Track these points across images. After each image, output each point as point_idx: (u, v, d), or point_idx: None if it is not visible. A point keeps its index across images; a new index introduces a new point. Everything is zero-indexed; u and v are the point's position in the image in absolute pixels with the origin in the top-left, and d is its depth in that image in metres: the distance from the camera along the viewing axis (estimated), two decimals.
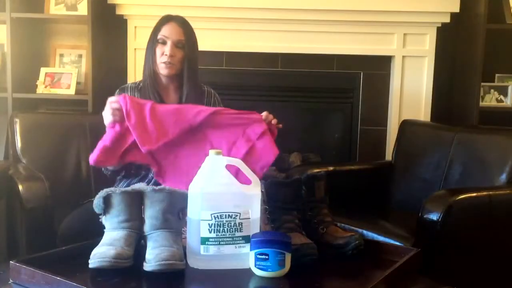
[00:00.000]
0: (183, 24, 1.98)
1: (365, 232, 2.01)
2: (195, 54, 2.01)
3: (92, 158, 1.68)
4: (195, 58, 2.00)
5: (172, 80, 2.00)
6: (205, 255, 1.34)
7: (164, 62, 1.93)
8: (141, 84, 2.03)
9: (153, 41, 1.96)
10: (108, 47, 2.89)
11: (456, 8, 2.75)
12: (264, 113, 1.78)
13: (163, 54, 1.94)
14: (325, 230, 1.53)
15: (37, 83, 2.80)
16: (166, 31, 1.95)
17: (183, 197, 1.38)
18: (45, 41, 2.98)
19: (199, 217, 1.34)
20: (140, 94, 1.99)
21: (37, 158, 2.37)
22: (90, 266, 1.28)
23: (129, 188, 1.41)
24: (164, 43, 1.94)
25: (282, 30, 2.82)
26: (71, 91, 2.79)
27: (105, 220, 1.40)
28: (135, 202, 1.40)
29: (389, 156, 2.81)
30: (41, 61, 2.94)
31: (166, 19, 1.98)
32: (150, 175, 1.86)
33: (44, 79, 2.81)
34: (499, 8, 2.84)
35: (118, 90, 2.02)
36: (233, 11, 2.76)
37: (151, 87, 1.97)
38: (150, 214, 1.38)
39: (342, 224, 1.91)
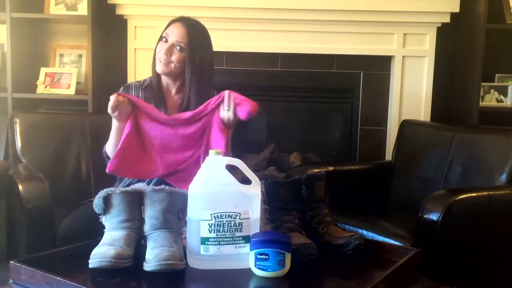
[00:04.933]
0: (189, 27, 1.94)
1: (365, 232, 2.01)
2: (200, 57, 1.94)
3: (109, 166, 1.77)
4: (200, 62, 1.93)
5: (174, 81, 1.99)
6: (205, 255, 1.34)
7: (159, 58, 1.93)
8: (145, 83, 2.03)
9: (159, 39, 1.97)
10: (108, 47, 2.89)
11: (456, 8, 2.75)
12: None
13: (160, 51, 1.94)
14: (325, 230, 1.53)
15: (37, 83, 2.80)
16: (170, 30, 1.94)
17: (183, 197, 1.38)
18: (45, 41, 2.98)
19: (199, 217, 1.34)
20: (144, 92, 1.99)
21: (37, 158, 2.37)
22: (90, 266, 1.29)
23: (129, 188, 1.42)
24: (166, 41, 1.94)
25: (282, 30, 2.82)
26: (71, 91, 2.79)
27: (105, 220, 1.40)
28: (135, 202, 1.40)
29: (389, 156, 2.81)
30: (41, 61, 2.94)
31: (175, 19, 1.97)
32: None
33: (44, 79, 2.81)
34: (499, 8, 2.84)
35: (122, 88, 2.02)
36: (233, 11, 2.76)
37: (155, 86, 1.98)
38: (150, 214, 1.38)
39: (342, 224, 1.92)
